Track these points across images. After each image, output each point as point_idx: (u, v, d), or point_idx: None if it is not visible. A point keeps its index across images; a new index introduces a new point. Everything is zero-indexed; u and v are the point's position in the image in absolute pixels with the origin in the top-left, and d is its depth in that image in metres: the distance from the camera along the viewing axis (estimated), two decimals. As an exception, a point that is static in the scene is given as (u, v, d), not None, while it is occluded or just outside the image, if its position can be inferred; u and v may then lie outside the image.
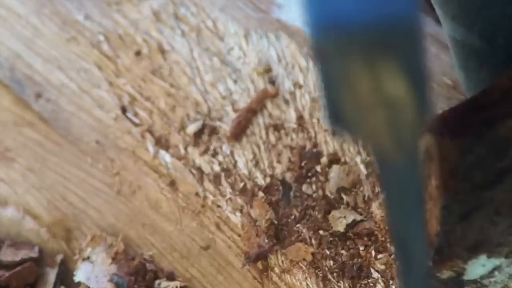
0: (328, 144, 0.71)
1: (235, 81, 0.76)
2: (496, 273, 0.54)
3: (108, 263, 0.68)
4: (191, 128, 0.74)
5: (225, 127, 0.73)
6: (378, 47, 0.31)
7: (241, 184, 0.70)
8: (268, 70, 0.75)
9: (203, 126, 0.74)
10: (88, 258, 0.69)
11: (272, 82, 0.75)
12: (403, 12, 0.30)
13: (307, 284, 0.64)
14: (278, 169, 0.70)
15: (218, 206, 0.70)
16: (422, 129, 0.34)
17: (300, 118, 0.73)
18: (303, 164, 0.70)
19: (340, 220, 0.66)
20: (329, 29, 0.30)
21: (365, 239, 0.65)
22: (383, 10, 0.30)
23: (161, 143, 0.74)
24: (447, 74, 0.73)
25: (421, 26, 0.31)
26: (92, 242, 0.70)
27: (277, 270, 0.66)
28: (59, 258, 0.70)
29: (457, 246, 0.51)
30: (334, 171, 0.69)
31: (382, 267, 0.64)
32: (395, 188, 0.38)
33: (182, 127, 0.74)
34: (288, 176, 0.70)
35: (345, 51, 0.31)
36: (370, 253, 0.64)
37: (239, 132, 0.72)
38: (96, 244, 0.70)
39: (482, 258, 0.53)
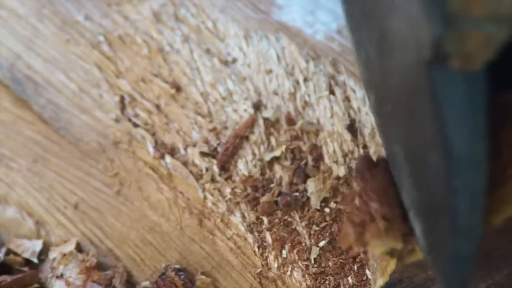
0: (329, 145, 0.71)
1: (235, 82, 0.76)
2: None
3: (82, 278, 0.68)
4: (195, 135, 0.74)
5: (223, 130, 0.73)
6: None
7: (241, 185, 0.70)
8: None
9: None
10: (61, 275, 0.68)
11: (257, 106, 0.74)
12: None
13: (307, 285, 0.64)
14: (278, 171, 0.71)
15: (218, 206, 0.70)
16: None
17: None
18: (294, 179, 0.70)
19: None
20: None
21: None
22: None
23: (161, 143, 0.74)
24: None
25: None
26: (63, 259, 0.70)
27: (277, 270, 0.66)
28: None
29: None
30: (311, 186, 0.69)
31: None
32: None
33: (182, 128, 0.74)
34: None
35: None
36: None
37: (227, 159, 0.72)
38: (67, 261, 0.69)
39: None
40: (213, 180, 0.71)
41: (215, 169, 0.71)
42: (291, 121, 0.73)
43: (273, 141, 0.72)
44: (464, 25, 0.31)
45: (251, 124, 0.73)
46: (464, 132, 0.36)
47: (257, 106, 0.74)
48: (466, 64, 0.33)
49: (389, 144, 0.46)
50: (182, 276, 0.67)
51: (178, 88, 0.76)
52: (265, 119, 0.73)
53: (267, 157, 0.71)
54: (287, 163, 0.71)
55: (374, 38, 0.42)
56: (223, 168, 0.71)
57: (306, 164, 0.70)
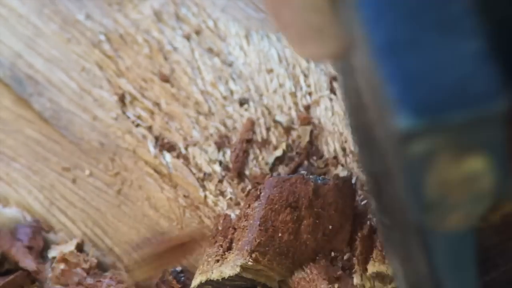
0: (329, 145, 0.71)
1: (235, 81, 0.76)
2: None
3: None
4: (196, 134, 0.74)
5: (223, 129, 0.73)
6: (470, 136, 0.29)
7: (242, 184, 0.70)
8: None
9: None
10: (61, 275, 0.68)
11: (244, 103, 0.74)
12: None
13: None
14: (280, 170, 0.70)
15: (219, 206, 0.70)
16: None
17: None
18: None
19: None
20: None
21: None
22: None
23: (162, 143, 0.74)
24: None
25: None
26: (62, 260, 0.69)
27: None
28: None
29: None
30: None
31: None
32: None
33: (183, 127, 0.74)
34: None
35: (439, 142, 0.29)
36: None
37: (240, 165, 0.71)
38: (67, 262, 0.69)
39: None
40: (214, 179, 0.71)
41: (216, 168, 0.71)
42: (291, 120, 0.73)
43: (273, 140, 0.72)
44: (443, 210, 0.32)
45: (251, 126, 0.73)
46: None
47: (242, 103, 0.74)
48: (449, 230, 0.35)
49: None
50: (182, 278, 0.67)
51: (167, 79, 0.76)
52: (277, 122, 0.73)
53: (270, 159, 0.71)
54: (288, 163, 0.71)
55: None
56: (239, 175, 0.71)
57: (306, 164, 0.70)
